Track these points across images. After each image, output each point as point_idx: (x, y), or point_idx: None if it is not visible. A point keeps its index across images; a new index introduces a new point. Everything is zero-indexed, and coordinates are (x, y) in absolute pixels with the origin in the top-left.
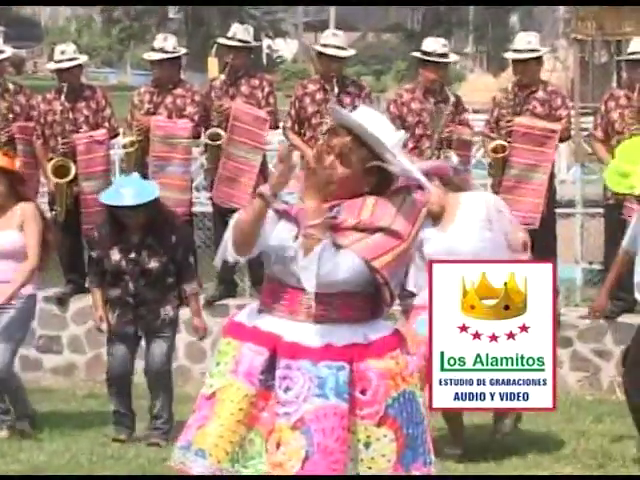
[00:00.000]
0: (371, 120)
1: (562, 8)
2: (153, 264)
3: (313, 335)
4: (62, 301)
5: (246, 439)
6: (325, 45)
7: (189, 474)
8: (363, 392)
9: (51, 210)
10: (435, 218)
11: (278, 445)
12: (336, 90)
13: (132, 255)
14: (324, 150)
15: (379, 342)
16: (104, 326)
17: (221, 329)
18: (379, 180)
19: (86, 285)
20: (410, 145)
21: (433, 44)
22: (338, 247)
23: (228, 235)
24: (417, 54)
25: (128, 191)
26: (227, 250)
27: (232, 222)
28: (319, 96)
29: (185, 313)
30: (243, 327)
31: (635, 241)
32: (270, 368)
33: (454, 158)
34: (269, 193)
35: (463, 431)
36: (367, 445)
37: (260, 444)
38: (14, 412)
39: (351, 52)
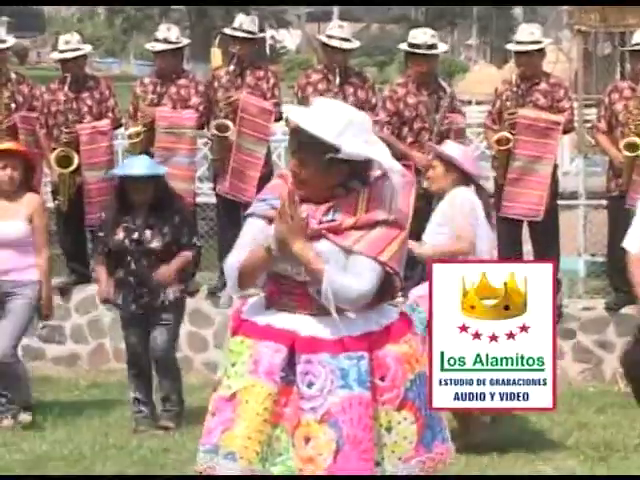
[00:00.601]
0: (312, 113)
1: None
2: (156, 244)
3: (329, 328)
4: (65, 291)
5: (272, 437)
6: (330, 36)
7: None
8: (382, 378)
9: (54, 200)
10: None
11: (307, 440)
12: (338, 81)
13: (135, 235)
14: (291, 195)
15: (393, 327)
16: (110, 293)
17: (225, 322)
18: (351, 167)
19: (91, 265)
20: (410, 139)
21: (421, 36)
22: (346, 251)
23: (230, 272)
24: (404, 46)
25: (138, 164)
26: (233, 289)
27: (230, 266)
28: (322, 86)
29: (187, 303)
30: (255, 325)
31: None
32: (289, 364)
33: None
34: (274, 248)
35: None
36: (389, 429)
37: (286, 440)
38: (15, 402)
39: (356, 44)
